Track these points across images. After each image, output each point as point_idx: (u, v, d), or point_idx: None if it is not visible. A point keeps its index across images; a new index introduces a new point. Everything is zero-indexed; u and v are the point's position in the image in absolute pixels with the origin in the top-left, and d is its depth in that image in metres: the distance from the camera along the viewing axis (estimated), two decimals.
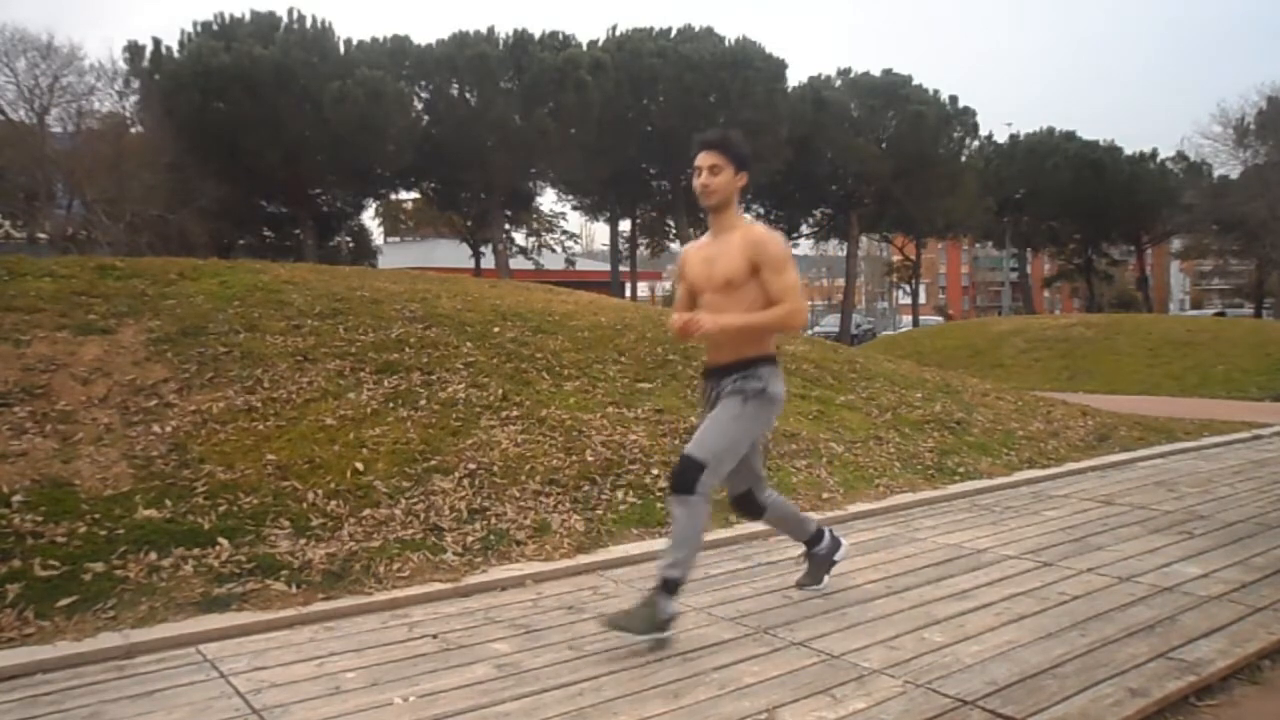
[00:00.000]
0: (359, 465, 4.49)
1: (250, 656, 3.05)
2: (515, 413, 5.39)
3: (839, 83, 37.85)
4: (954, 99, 38.61)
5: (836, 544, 3.77)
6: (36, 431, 4.30)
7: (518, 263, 35.60)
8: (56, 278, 6.19)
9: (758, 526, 4.65)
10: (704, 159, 3.31)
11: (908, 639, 3.18)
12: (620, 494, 4.77)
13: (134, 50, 27.84)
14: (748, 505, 3.56)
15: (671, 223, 38.26)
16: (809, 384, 7.30)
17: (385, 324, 6.37)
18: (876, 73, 38.04)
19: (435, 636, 3.24)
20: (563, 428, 5.29)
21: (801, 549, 3.82)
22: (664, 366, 6.85)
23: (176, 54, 27.75)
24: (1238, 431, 8.35)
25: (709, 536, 4.41)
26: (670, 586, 3.13)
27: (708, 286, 3.33)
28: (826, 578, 3.75)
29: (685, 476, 3.14)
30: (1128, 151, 43.73)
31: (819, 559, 3.76)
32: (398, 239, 47.29)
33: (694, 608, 3.54)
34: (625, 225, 39.70)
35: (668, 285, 62.51)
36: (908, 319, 49.53)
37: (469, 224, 36.04)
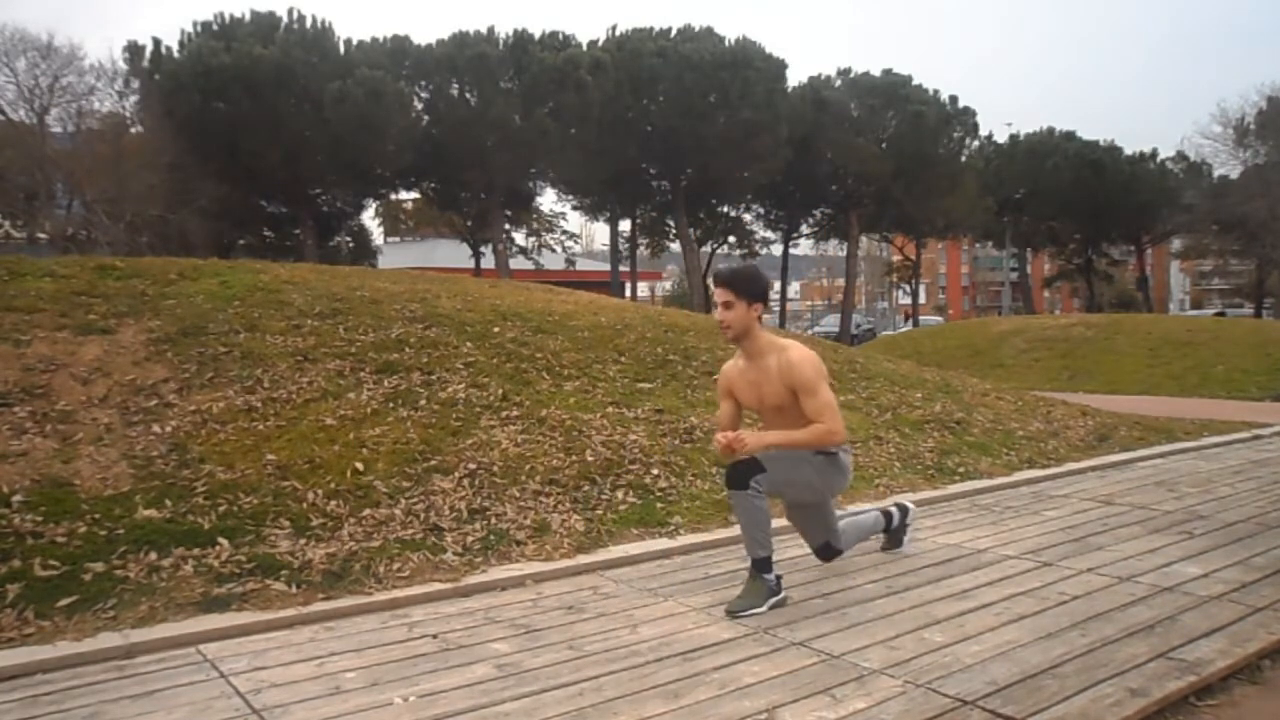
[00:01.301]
0: (359, 465, 4.49)
1: (250, 656, 3.05)
2: (515, 413, 5.39)
3: (839, 83, 37.84)
4: (954, 99, 38.63)
5: (905, 510, 4.29)
6: (36, 431, 4.29)
7: (518, 263, 35.60)
8: (56, 278, 6.18)
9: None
10: (718, 295, 3.64)
11: (908, 639, 3.18)
12: (620, 494, 4.77)
13: (134, 50, 27.84)
14: (828, 553, 3.89)
15: (671, 223, 38.26)
16: None
17: (385, 324, 6.37)
18: (876, 73, 38.07)
19: (435, 636, 3.24)
20: (563, 428, 5.29)
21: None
22: (664, 366, 6.85)
23: (176, 54, 27.75)
24: (1238, 431, 8.35)
25: (708, 537, 4.43)
26: (764, 564, 3.53)
27: (762, 409, 3.68)
28: (905, 539, 4.28)
29: (740, 473, 3.51)
30: (1128, 151, 43.76)
31: (894, 533, 4.28)
32: (398, 239, 47.29)
33: (694, 608, 3.55)
34: (625, 225, 39.73)
35: (668, 285, 62.53)
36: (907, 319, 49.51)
37: (469, 224, 36.04)
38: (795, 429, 3.52)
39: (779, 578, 3.58)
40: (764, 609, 3.47)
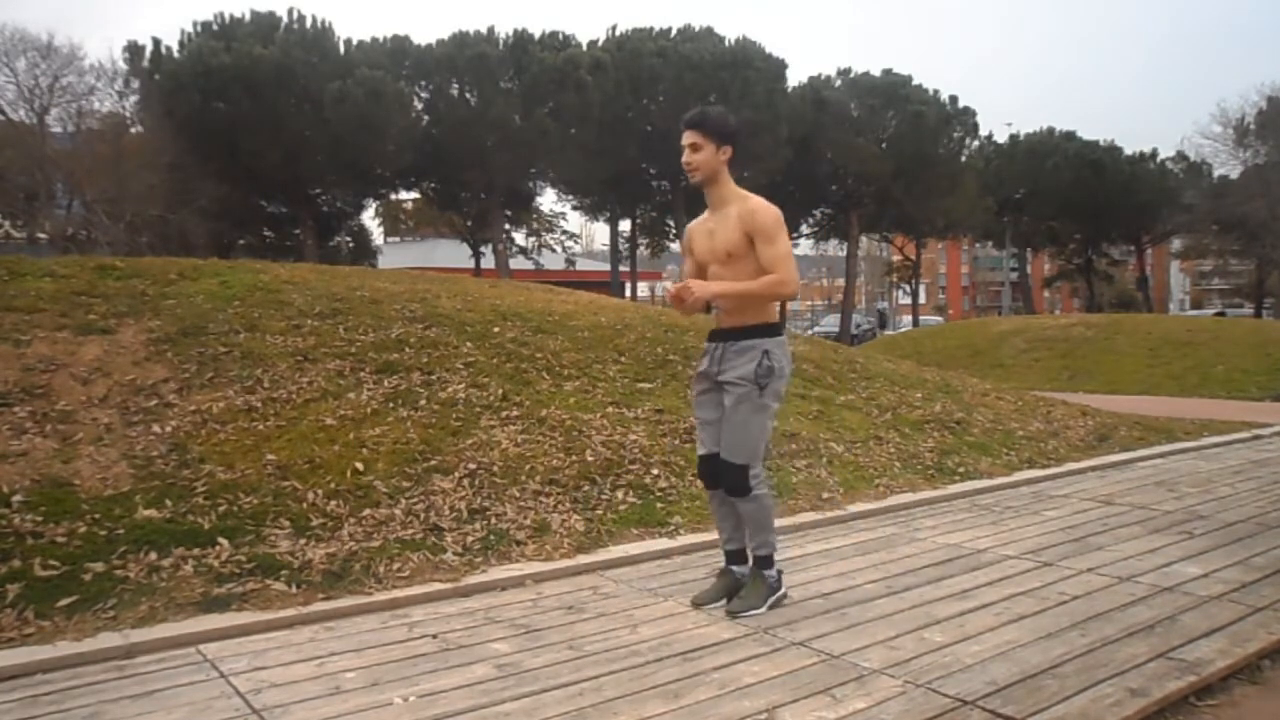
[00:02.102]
0: (359, 465, 4.49)
1: (250, 656, 3.05)
2: (515, 413, 5.39)
3: (839, 83, 37.82)
4: (954, 99, 38.59)
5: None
6: (36, 431, 4.29)
7: (518, 263, 35.60)
8: (56, 278, 6.18)
9: None
10: (685, 138, 3.42)
11: (908, 639, 3.17)
12: (620, 494, 4.77)
13: (134, 50, 27.84)
14: (708, 469, 3.53)
15: (671, 223, 38.24)
16: (809, 384, 7.30)
17: (385, 324, 6.37)
18: (876, 73, 38.03)
19: (435, 636, 3.24)
20: (563, 428, 5.29)
21: (722, 560, 3.68)
22: (664, 366, 6.85)
23: (176, 54, 27.74)
24: (1238, 431, 8.35)
25: (708, 536, 4.42)
26: (765, 561, 3.51)
27: (712, 259, 3.45)
28: (725, 601, 3.52)
29: (737, 482, 3.41)
30: (1128, 151, 43.75)
31: (733, 582, 3.58)
32: (398, 239, 47.29)
33: (694, 608, 3.54)
34: (625, 225, 39.71)
35: (668, 285, 62.55)
36: (908, 319, 49.52)
37: (469, 224, 36.04)
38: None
39: (780, 575, 3.57)
40: (765, 609, 3.45)
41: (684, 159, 3.42)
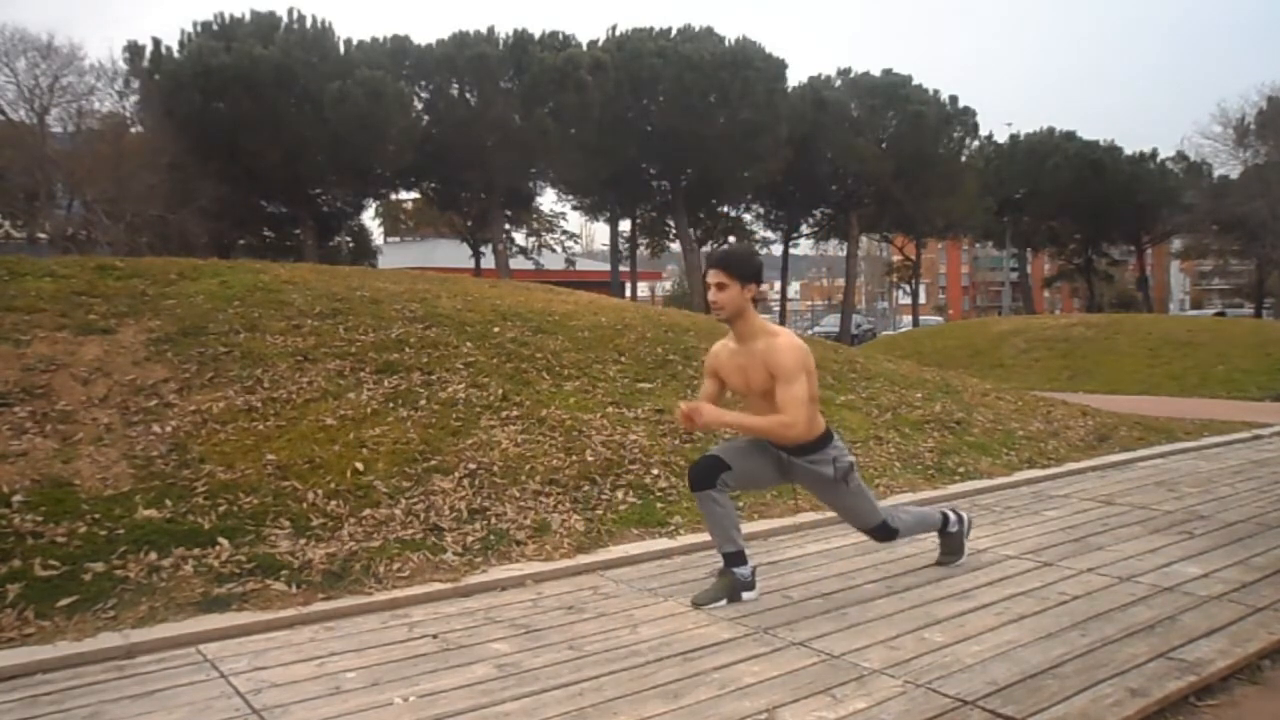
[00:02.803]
0: (359, 465, 4.49)
1: (250, 656, 3.05)
2: (515, 413, 5.39)
3: (839, 83, 37.85)
4: (954, 99, 38.64)
5: (753, 584, 3.68)
6: (36, 431, 4.29)
7: (518, 263, 35.59)
8: (56, 278, 6.18)
9: (757, 526, 4.67)
10: (710, 276, 3.58)
11: (908, 639, 3.18)
12: (620, 494, 4.77)
13: (134, 50, 27.86)
14: (706, 472, 3.61)
15: (671, 223, 38.27)
16: None
17: (385, 324, 6.37)
18: (876, 73, 38.09)
19: (435, 636, 3.24)
20: (563, 428, 5.29)
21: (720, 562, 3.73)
22: (664, 366, 6.85)
23: (176, 54, 27.76)
24: (1238, 431, 8.35)
25: (708, 537, 4.41)
26: (948, 531, 4.06)
27: (749, 393, 3.64)
28: (724, 601, 3.60)
29: (884, 536, 3.85)
30: (1128, 151, 43.78)
31: (734, 580, 3.67)
32: (398, 239, 47.30)
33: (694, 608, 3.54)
34: (625, 225, 39.73)
35: (668, 285, 62.49)
36: (908, 319, 49.52)
37: (469, 224, 36.05)
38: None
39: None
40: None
41: (710, 297, 3.57)
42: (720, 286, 3.53)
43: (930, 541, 4.52)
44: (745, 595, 3.61)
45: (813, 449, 3.61)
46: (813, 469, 3.63)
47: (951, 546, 4.10)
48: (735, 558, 3.63)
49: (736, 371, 3.64)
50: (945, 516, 4.08)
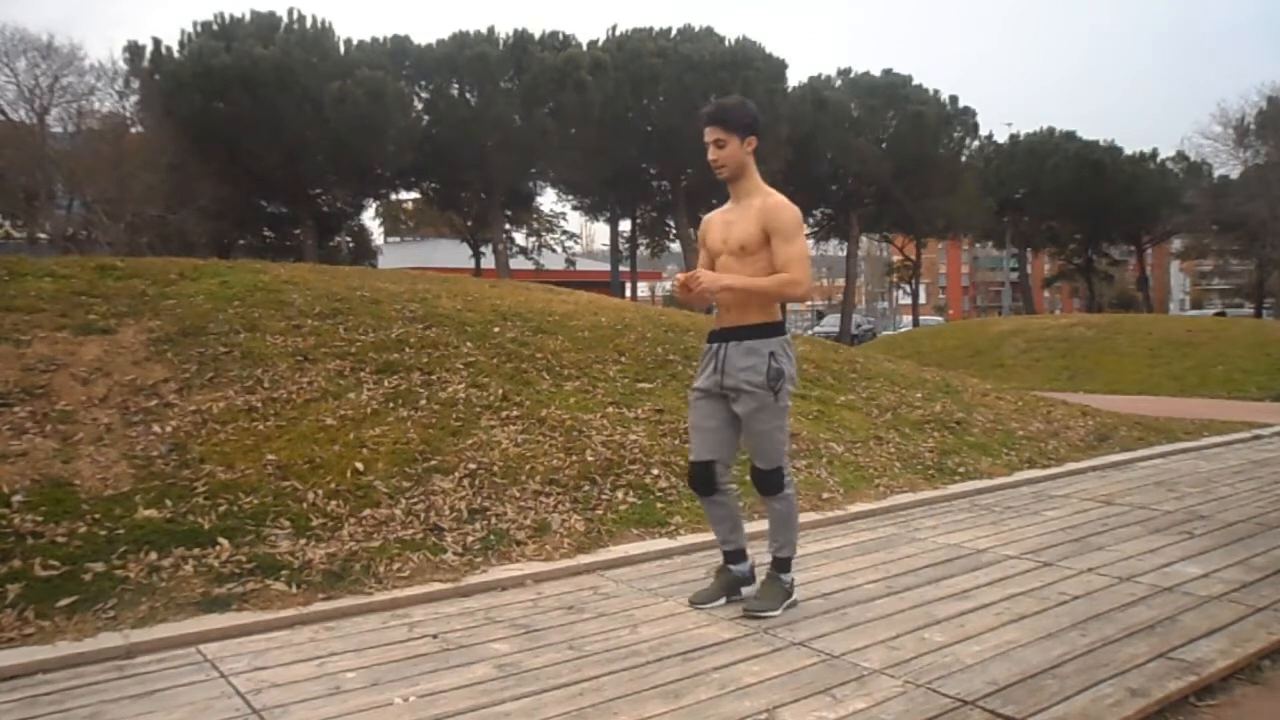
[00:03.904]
0: (359, 465, 4.49)
1: (250, 656, 3.05)
2: (515, 413, 5.39)
3: (839, 83, 37.85)
4: (954, 99, 38.64)
5: (753, 579, 3.59)
6: (36, 431, 4.29)
7: (518, 263, 35.60)
8: (56, 278, 6.18)
9: (756, 527, 4.64)
10: (708, 134, 3.35)
11: (908, 639, 3.17)
12: (620, 494, 4.77)
13: (134, 50, 27.85)
14: (704, 477, 3.48)
15: (671, 223, 38.26)
16: (809, 384, 7.30)
17: (385, 324, 6.37)
18: (876, 73, 38.10)
19: (435, 636, 3.24)
20: (563, 428, 5.29)
21: (720, 559, 3.66)
22: (664, 366, 6.85)
23: (176, 54, 27.76)
24: (1238, 431, 8.35)
25: (708, 537, 4.41)
26: (784, 565, 3.53)
27: (724, 250, 3.37)
28: (723, 600, 3.53)
29: (773, 484, 3.44)
30: (1128, 151, 43.79)
31: (730, 580, 3.58)
32: (398, 239, 47.31)
33: (695, 608, 3.54)
34: (625, 225, 39.73)
35: (668, 285, 62.50)
36: (908, 319, 49.52)
37: (469, 224, 36.05)
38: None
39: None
40: (779, 612, 3.42)
41: (710, 156, 3.34)
42: (719, 144, 3.31)
43: (932, 542, 4.52)
44: (745, 590, 3.55)
45: (756, 333, 3.29)
46: (742, 360, 3.28)
47: (769, 593, 3.49)
48: (734, 556, 3.58)
49: (722, 227, 3.40)
50: (790, 562, 3.58)
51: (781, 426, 3.40)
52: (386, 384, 5.43)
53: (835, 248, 50.36)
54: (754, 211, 3.30)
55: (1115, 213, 42.62)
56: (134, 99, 27.89)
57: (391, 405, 5.17)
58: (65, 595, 3.32)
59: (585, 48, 31.60)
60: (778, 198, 3.34)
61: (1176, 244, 50.20)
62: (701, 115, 3.39)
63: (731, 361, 3.32)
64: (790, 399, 3.43)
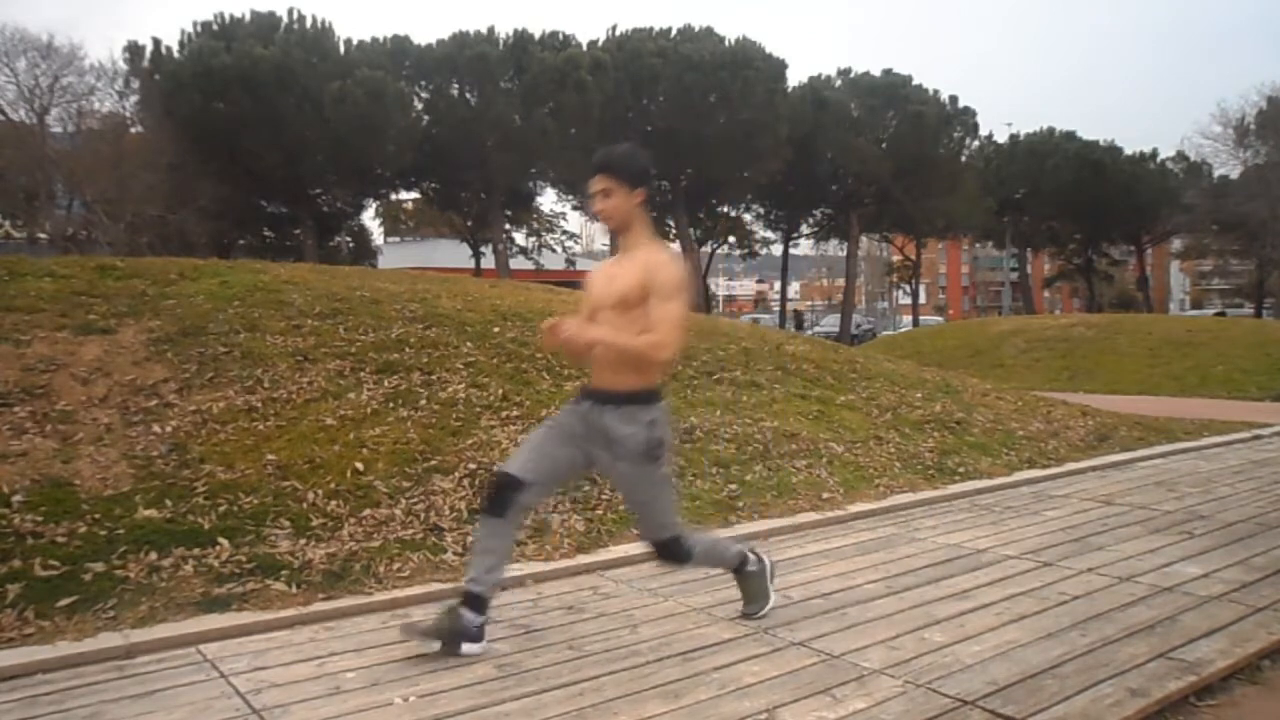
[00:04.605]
0: (359, 465, 4.49)
1: (250, 656, 3.05)
2: (515, 413, 5.38)
3: (839, 83, 37.86)
4: (954, 99, 38.66)
5: (480, 636, 3.10)
6: (36, 431, 4.29)
7: (518, 263, 35.61)
8: (56, 278, 6.18)
9: (756, 527, 4.67)
10: (595, 183, 3.13)
11: (908, 639, 3.17)
12: (620, 494, 4.76)
13: (134, 50, 27.87)
14: (503, 493, 3.07)
15: (671, 223, 38.27)
16: (809, 384, 7.30)
17: (385, 324, 6.37)
18: (876, 73, 38.12)
19: None
20: None
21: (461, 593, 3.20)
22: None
23: (176, 54, 27.77)
24: (1238, 431, 8.35)
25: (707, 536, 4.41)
26: (740, 566, 3.45)
27: (604, 303, 3.15)
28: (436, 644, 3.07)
29: (675, 555, 3.23)
30: (1128, 151, 43.80)
31: (456, 627, 3.08)
32: (398, 239, 47.30)
33: (694, 608, 3.54)
34: None
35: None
36: (908, 319, 49.53)
37: (469, 224, 36.06)
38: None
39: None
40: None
41: (595, 206, 3.13)
42: (605, 193, 3.09)
43: (932, 542, 4.52)
44: (466, 647, 3.04)
45: (632, 399, 3.08)
46: (619, 428, 3.06)
47: (754, 591, 3.46)
48: (474, 600, 3.07)
49: (605, 280, 3.18)
50: (744, 555, 3.48)
51: (666, 494, 3.21)
52: (386, 384, 5.43)
53: (835, 248, 50.43)
54: (638, 265, 3.07)
55: (1115, 213, 42.63)
56: (134, 99, 27.92)
57: (391, 405, 5.17)
58: (65, 595, 3.32)
59: (585, 48, 31.61)
60: (662, 254, 3.11)
61: (1176, 244, 50.20)
62: (593, 161, 3.18)
63: (606, 428, 3.10)
64: (669, 465, 3.24)
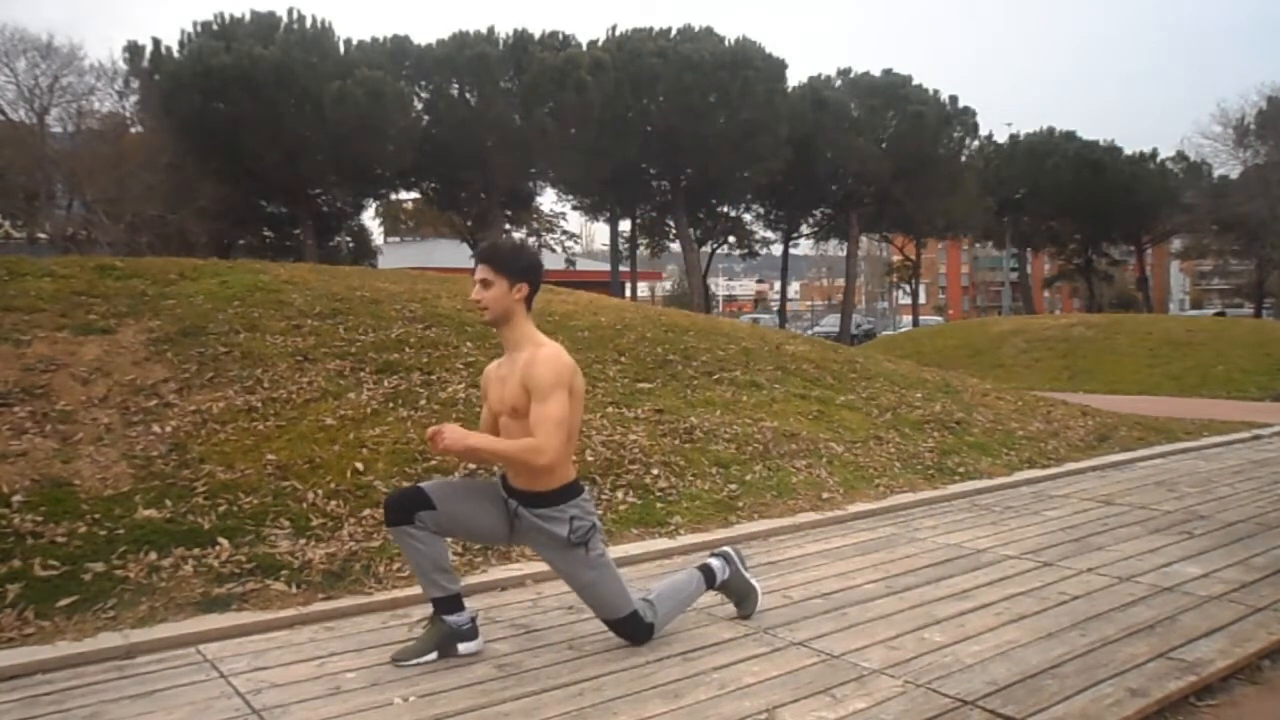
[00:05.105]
0: (359, 465, 4.49)
1: (250, 656, 3.05)
2: None
3: (839, 83, 37.84)
4: (954, 99, 38.63)
5: (475, 633, 3.10)
6: (36, 431, 4.29)
7: None
8: (56, 278, 6.18)
9: (756, 527, 4.67)
10: (476, 273, 3.06)
11: (908, 639, 3.17)
12: (620, 494, 4.77)
13: (134, 50, 27.84)
14: (407, 505, 2.99)
15: (671, 223, 38.27)
16: (809, 384, 7.30)
17: (385, 324, 6.37)
18: (876, 73, 38.08)
19: None
20: None
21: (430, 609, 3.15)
22: (664, 366, 6.85)
23: (176, 54, 27.74)
24: (1238, 431, 8.35)
25: (708, 537, 4.43)
26: (712, 581, 3.40)
27: (501, 409, 3.09)
28: (434, 654, 3.02)
29: (635, 630, 3.13)
30: (1128, 151, 43.79)
31: (444, 634, 3.06)
32: (398, 239, 47.31)
33: (694, 608, 3.54)
34: (625, 225, 39.73)
35: (668, 285, 62.53)
36: (908, 319, 49.53)
37: (469, 224, 36.04)
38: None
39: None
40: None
41: (473, 295, 3.06)
42: (485, 284, 3.02)
43: (932, 542, 4.52)
44: (464, 647, 3.04)
45: (549, 500, 3.03)
46: (545, 527, 3.04)
47: (737, 592, 3.43)
48: (445, 604, 3.05)
49: (497, 384, 3.11)
50: (710, 571, 3.40)
51: (610, 574, 3.12)
52: (386, 384, 5.43)
53: (835, 248, 50.40)
54: (519, 368, 3.01)
55: (1115, 213, 42.62)
56: (134, 99, 27.95)
57: (391, 405, 5.17)
58: (65, 595, 3.32)
59: (585, 48, 31.59)
60: (543, 351, 3.01)
61: (1176, 244, 50.20)
62: (476, 251, 3.18)
63: (531, 526, 3.08)
64: (604, 545, 3.17)
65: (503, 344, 3.14)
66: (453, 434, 2.90)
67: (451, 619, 3.04)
